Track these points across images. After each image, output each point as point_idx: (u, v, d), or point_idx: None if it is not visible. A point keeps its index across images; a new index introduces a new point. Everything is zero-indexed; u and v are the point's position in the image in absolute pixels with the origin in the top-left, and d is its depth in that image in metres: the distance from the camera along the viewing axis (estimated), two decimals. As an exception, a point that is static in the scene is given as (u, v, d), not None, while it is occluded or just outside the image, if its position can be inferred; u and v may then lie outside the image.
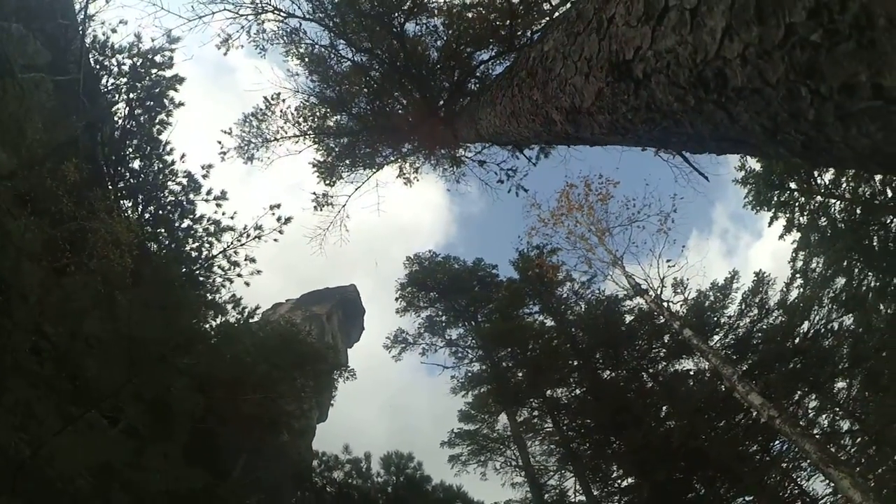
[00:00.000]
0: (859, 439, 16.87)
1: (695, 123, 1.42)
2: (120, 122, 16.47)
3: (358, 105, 13.03)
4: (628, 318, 24.17)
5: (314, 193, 13.56)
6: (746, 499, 19.36)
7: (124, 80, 16.41)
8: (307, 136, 13.65)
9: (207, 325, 15.38)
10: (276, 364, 14.12)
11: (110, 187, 15.10)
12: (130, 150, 16.45)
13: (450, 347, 26.49)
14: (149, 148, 16.50)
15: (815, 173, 16.71)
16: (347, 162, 14.03)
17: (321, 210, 13.45)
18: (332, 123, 13.79)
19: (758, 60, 1.07)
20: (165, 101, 16.88)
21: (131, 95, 16.52)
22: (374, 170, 13.30)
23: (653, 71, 1.42)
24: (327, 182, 13.70)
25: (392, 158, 13.23)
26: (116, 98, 16.48)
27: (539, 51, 2.46)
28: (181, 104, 17.20)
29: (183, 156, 16.41)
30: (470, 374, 25.53)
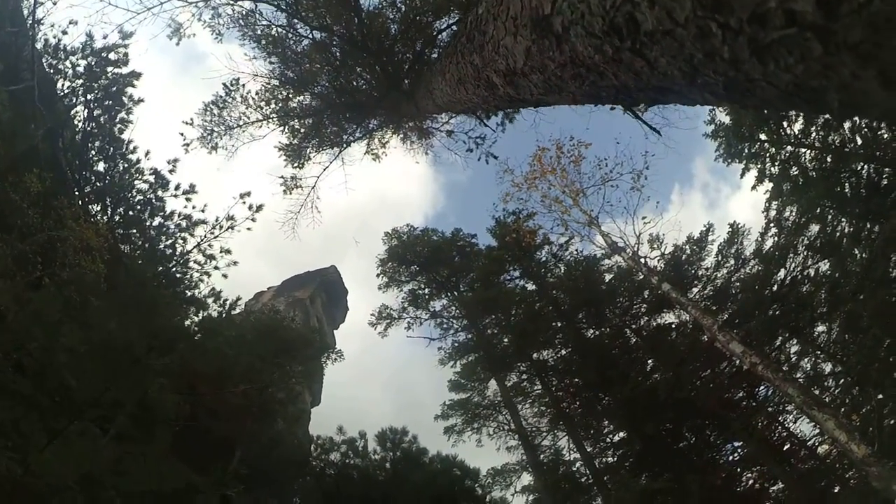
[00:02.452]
0: (842, 381, 17.28)
1: (618, 74, 1.35)
2: (80, 125, 15.95)
3: (320, 84, 12.75)
4: (608, 277, 24.52)
5: (282, 177, 13.29)
6: (735, 444, 20.00)
7: (80, 81, 15.83)
8: (270, 120, 13.37)
9: (188, 322, 15.21)
10: (260, 354, 14.05)
11: (77, 193, 14.71)
12: (93, 152, 15.97)
13: (434, 319, 26.62)
14: (112, 149, 16.02)
15: (785, 123, 16.83)
16: (314, 143, 13.79)
17: (291, 193, 13.22)
18: (295, 105, 13.50)
19: (665, 0, 1.00)
20: (124, 98, 16.35)
21: (89, 97, 15.97)
22: (341, 148, 13.07)
23: (570, 23, 1.36)
24: (295, 165, 13.47)
25: (359, 135, 13.01)
26: (74, 101, 15.92)
27: (475, 14, 2.36)
28: (141, 100, 16.68)
29: (147, 153, 15.91)
30: (456, 344, 25.77)
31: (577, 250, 25.04)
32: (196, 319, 15.76)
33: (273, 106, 13.35)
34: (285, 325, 18.90)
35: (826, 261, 17.79)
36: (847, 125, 15.94)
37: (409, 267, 27.33)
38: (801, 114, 16.33)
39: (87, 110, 16.01)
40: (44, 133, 12.99)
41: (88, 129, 15.92)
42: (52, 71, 15.47)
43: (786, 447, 19.09)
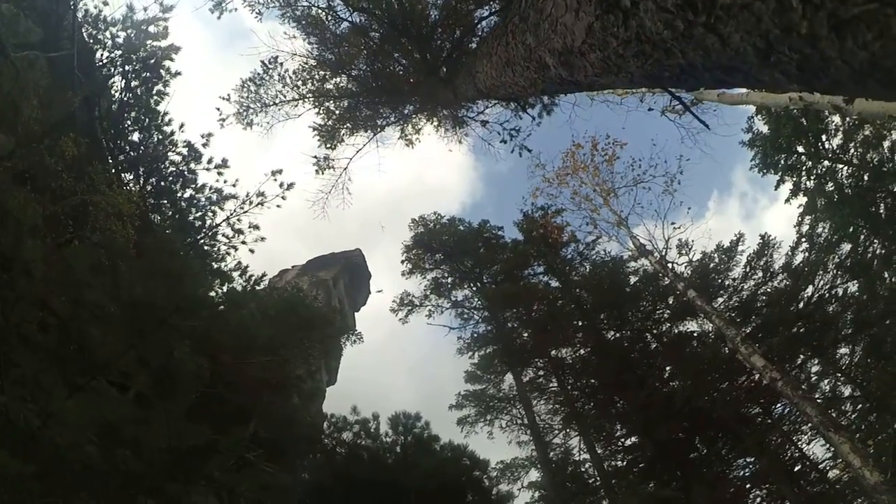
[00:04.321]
0: (860, 406, 17.03)
1: (686, 52, 1.35)
2: (117, 95, 16.28)
3: (357, 67, 12.81)
4: (633, 280, 24.25)
5: (315, 157, 13.42)
6: (746, 460, 19.71)
7: (119, 52, 16.13)
8: (306, 100, 13.48)
9: (213, 293, 15.53)
10: (281, 328, 14.27)
11: (110, 161, 15.04)
12: (129, 122, 16.30)
13: (456, 309, 26.69)
14: (147, 119, 16.32)
15: (823, 137, 16.43)
16: (348, 125, 13.88)
17: (322, 173, 13.36)
18: (331, 86, 13.58)
19: (747, -29, 1.00)
20: (162, 71, 16.63)
21: (127, 68, 16.26)
22: (375, 132, 13.14)
23: (640, -3, 1.35)
24: (328, 145, 13.58)
25: (393, 120, 13.05)
26: (112, 71, 16.25)
27: (531, -7, 2.36)
28: (178, 73, 16.95)
29: (182, 125, 16.19)
30: (476, 335, 25.81)
31: (603, 250, 24.86)
32: (221, 292, 16.08)
33: (309, 86, 13.45)
34: (307, 304, 19.14)
35: (855, 281, 17.41)
36: (887, 144, 15.55)
37: (434, 255, 27.36)
38: (873, 97, 15.82)
39: (124, 81, 16.28)
40: (81, 101, 13.31)
41: (125, 99, 16.23)
42: (91, 41, 15.77)
43: (797, 468, 18.79)
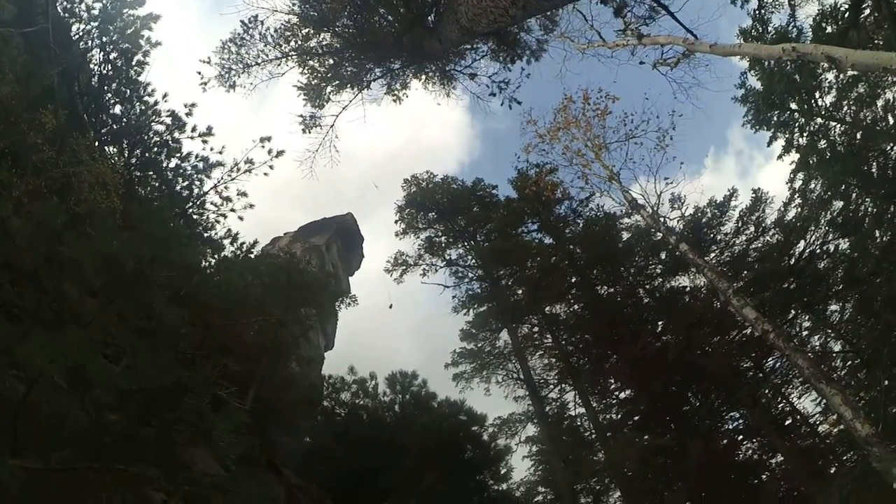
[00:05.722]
0: (850, 362, 17.36)
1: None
2: (95, 68, 15.81)
3: (341, 22, 12.44)
4: (625, 235, 24.31)
5: (301, 116, 13.17)
6: (738, 414, 20.16)
7: (95, 24, 15.58)
8: (289, 58, 13.14)
9: (203, 261, 15.43)
10: (274, 291, 14.25)
11: (92, 134, 14.77)
12: (109, 95, 15.89)
13: (450, 267, 26.76)
14: (129, 91, 15.91)
15: (817, 94, 16.27)
16: (336, 84, 13.57)
17: (309, 132, 13.13)
18: (314, 44, 13.22)
19: None
20: (141, 41, 16.11)
21: (104, 39, 15.73)
22: (361, 88, 12.86)
23: None
24: (315, 105, 13.32)
25: (379, 75, 12.76)
26: (90, 44, 15.72)
27: None
28: (158, 43, 16.46)
29: (165, 95, 15.79)
30: (470, 293, 25.97)
31: (597, 206, 24.77)
32: (212, 262, 16.00)
33: (292, 44, 13.10)
34: (301, 268, 19.12)
35: (846, 239, 17.52)
36: (881, 103, 15.43)
37: (427, 214, 27.27)
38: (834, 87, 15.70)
39: (102, 53, 15.80)
40: (59, 73, 12.93)
41: (104, 72, 15.80)
42: (66, 14, 15.24)
43: (787, 422, 19.25)
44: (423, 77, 12.98)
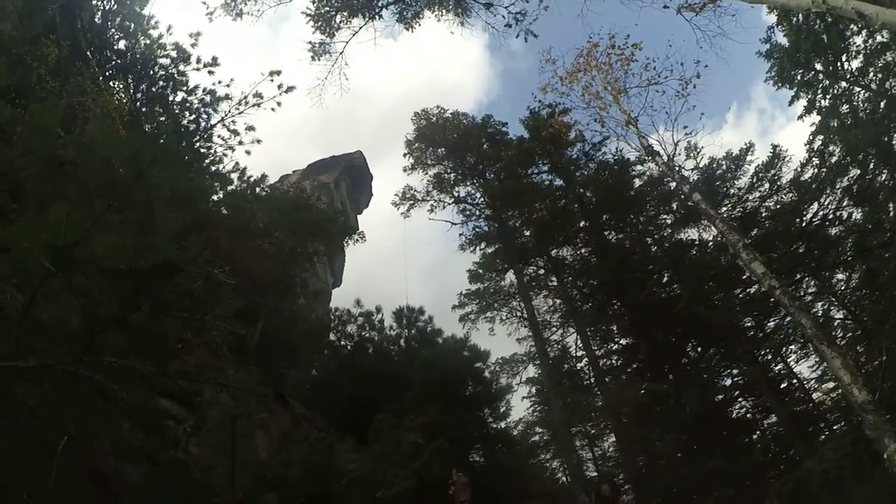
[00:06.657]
0: (850, 333, 17.38)
1: None
2: (98, 3, 15.26)
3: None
4: (637, 183, 23.98)
5: (310, 42, 12.78)
6: (736, 370, 20.38)
7: None
8: (299, -19, 12.62)
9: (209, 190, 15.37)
10: (282, 217, 14.16)
11: (97, 70, 14.49)
12: (113, 30, 15.41)
13: (458, 205, 26.40)
14: (133, 25, 15.43)
15: (843, 57, 15.52)
16: (345, 13, 13.10)
17: (318, 59, 12.78)
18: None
19: None
20: (145, -27, 15.44)
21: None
22: (372, 14, 12.40)
23: None
24: (325, 33, 12.90)
25: (390, 1, 12.26)
26: None
27: None
28: (161, -27, 15.83)
29: (170, 28, 15.31)
30: (477, 230, 25.83)
31: (610, 151, 24.19)
32: (219, 196, 15.93)
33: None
34: (309, 204, 19.06)
35: (860, 208, 17.22)
36: None
37: (437, 150, 26.67)
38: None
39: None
40: (60, 10, 12.54)
41: (107, 7, 15.30)
42: None
43: (783, 384, 19.50)
44: (437, 5, 12.46)
